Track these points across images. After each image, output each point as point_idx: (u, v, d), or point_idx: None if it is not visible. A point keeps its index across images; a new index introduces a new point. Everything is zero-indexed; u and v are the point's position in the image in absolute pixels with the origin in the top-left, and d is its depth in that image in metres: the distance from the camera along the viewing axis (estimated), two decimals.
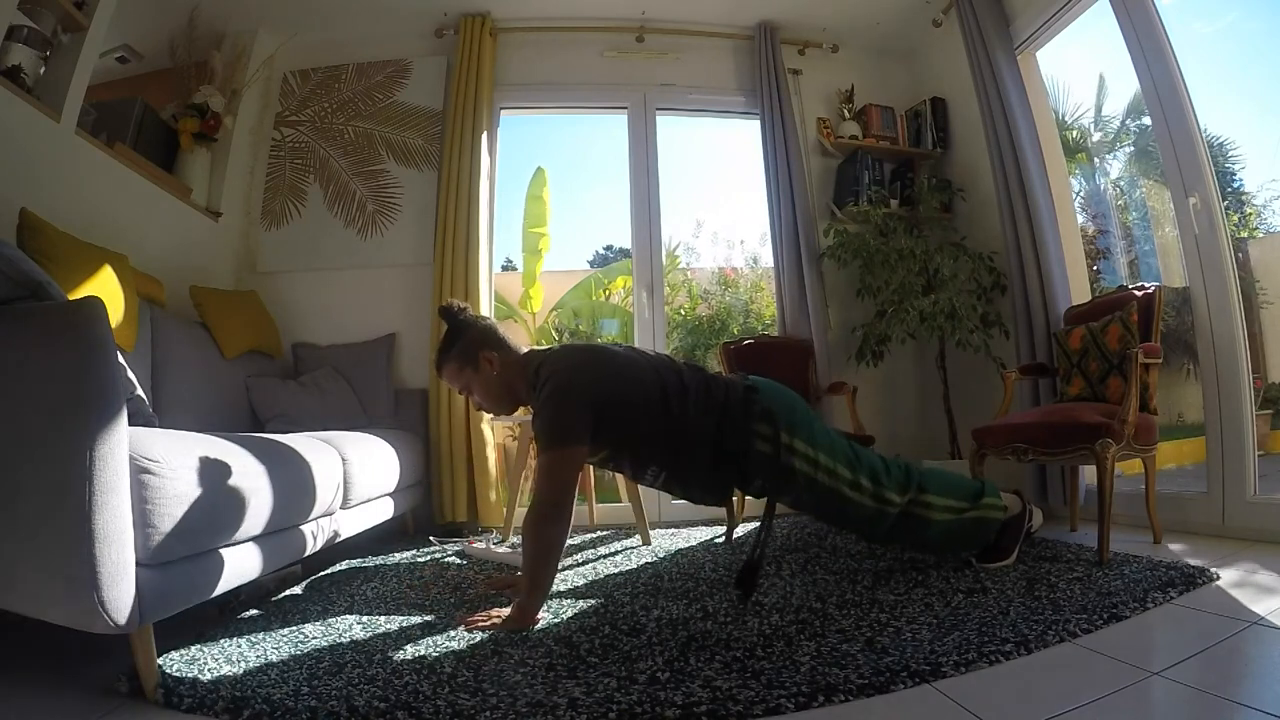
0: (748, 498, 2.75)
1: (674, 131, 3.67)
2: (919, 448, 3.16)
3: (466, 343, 1.66)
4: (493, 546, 2.25)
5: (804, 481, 1.56)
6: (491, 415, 1.70)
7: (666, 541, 2.43)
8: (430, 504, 2.82)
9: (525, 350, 1.71)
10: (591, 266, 6.34)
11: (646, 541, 2.41)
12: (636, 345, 1.70)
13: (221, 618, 1.55)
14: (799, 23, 3.37)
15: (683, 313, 5.35)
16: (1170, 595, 1.41)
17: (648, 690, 1.04)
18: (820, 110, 3.48)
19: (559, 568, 1.86)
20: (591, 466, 2.41)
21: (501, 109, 3.28)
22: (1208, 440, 2.14)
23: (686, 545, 2.34)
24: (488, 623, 1.42)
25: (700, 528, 2.76)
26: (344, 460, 1.87)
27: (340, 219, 3.15)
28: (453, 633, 1.39)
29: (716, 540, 2.42)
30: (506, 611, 1.46)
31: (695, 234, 6.47)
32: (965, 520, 1.66)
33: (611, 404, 1.52)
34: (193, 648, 1.32)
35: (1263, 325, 3.19)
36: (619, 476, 2.61)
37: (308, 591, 1.83)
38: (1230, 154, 3.76)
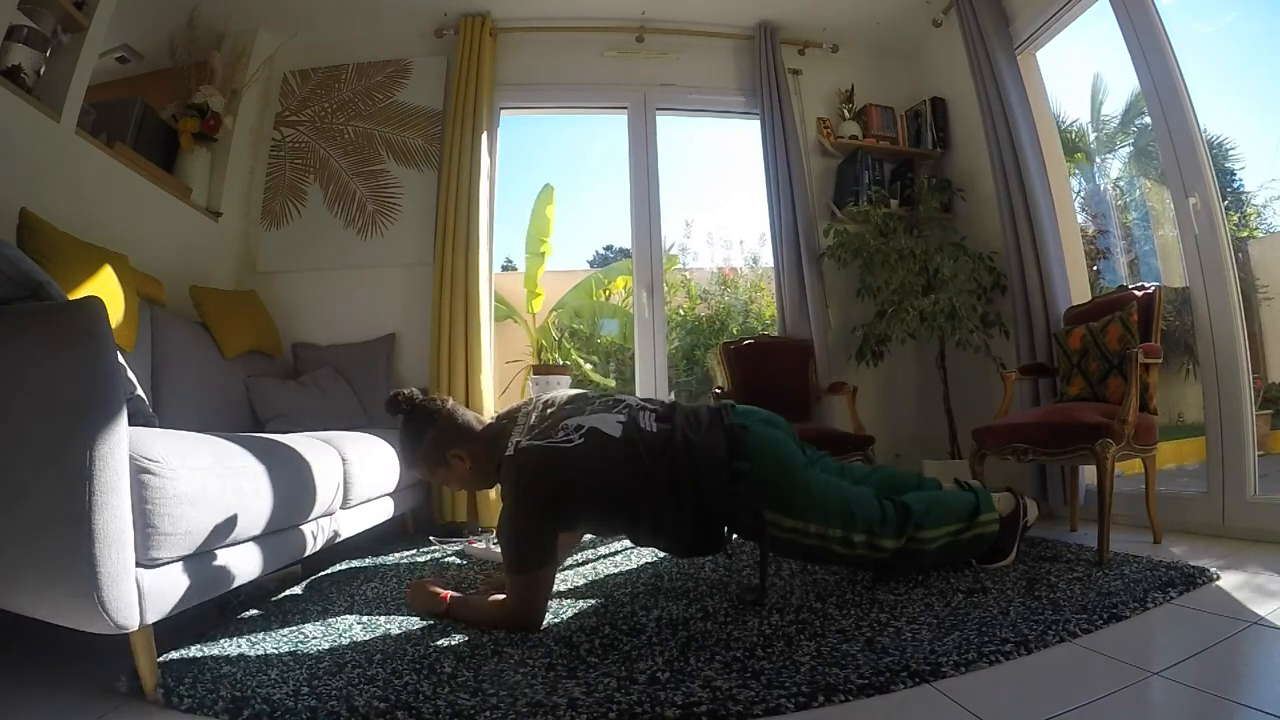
0: None
1: (674, 131, 3.68)
2: (919, 448, 3.15)
3: (430, 445, 1.59)
4: (493, 546, 2.25)
5: (787, 544, 1.52)
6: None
7: None
8: (430, 504, 2.82)
9: (481, 427, 1.65)
10: (591, 266, 6.33)
11: None
12: (598, 428, 1.47)
13: (221, 618, 1.55)
14: (799, 23, 3.37)
15: (682, 312, 5.35)
16: (1170, 595, 1.41)
17: (648, 690, 1.04)
18: (820, 110, 3.48)
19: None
20: None
21: (501, 109, 3.28)
22: (1208, 440, 2.14)
23: None
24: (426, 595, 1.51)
25: None
26: (344, 460, 1.87)
27: (340, 219, 3.15)
28: (453, 633, 1.39)
29: None
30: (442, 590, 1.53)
31: (687, 234, 6.49)
32: (962, 540, 1.64)
33: (579, 506, 1.47)
34: (193, 648, 1.32)
35: (1263, 325, 3.19)
36: None
37: (308, 591, 1.83)
38: (1230, 154, 3.77)
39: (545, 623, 1.43)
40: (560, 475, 1.42)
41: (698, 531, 1.50)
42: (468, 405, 2.86)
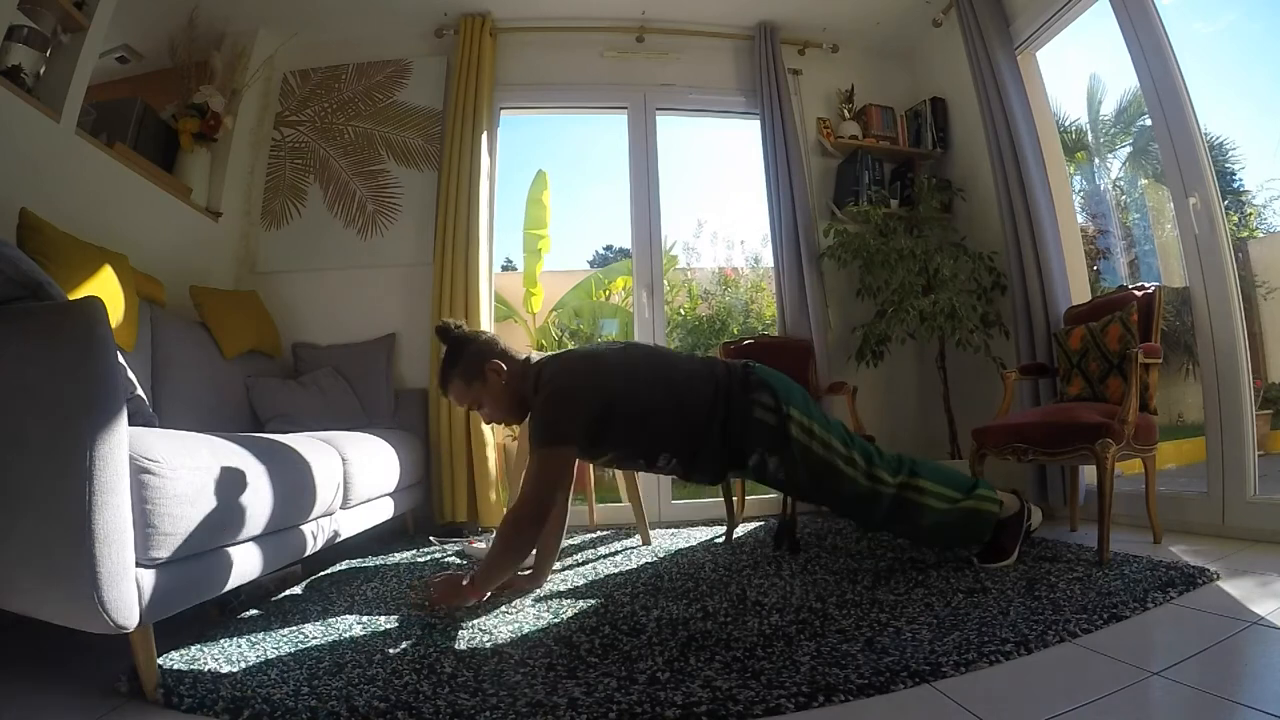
0: (746, 500, 2.76)
1: (674, 131, 3.67)
2: (919, 448, 3.15)
3: (469, 357, 1.66)
4: None
5: (800, 451, 1.59)
6: (502, 425, 1.73)
7: (666, 541, 2.43)
8: (430, 504, 2.82)
9: (525, 355, 1.72)
10: (591, 266, 6.34)
11: (646, 541, 2.41)
12: (636, 340, 1.75)
13: (221, 618, 1.55)
14: (799, 23, 3.37)
15: (683, 313, 5.35)
16: (1170, 595, 1.41)
17: (648, 690, 1.04)
18: (820, 110, 3.48)
19: (554, 567, 1.90)
20: (591, 465, 2.43)
21: (501, 109, 3.28)
22: (1208, 440, 2.14)
23: (686, 545, 2.34)
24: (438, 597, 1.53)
25: (700, 528, 2.76)
26: (344, 460, 1.87)
27: (340, 219, 3.15)
28: (452, 633, 1.39)
29: (716, 540, 2.42)
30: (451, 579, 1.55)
31: (696, 234, 6.53)
32: (959, 511, 1.67)
33: (614, 409, 1.55)
34: (193, 648, 1.32)
35: (1263, 325, 3.19)
36: (619, 475, 2.62)
37: (308, 591, 1.83)
38: (1230, 154, 3.77)
39: (545, 623, 1.44)
40: (602, 375, 1.58)
41: (725, 436, 1.62)
42: None
